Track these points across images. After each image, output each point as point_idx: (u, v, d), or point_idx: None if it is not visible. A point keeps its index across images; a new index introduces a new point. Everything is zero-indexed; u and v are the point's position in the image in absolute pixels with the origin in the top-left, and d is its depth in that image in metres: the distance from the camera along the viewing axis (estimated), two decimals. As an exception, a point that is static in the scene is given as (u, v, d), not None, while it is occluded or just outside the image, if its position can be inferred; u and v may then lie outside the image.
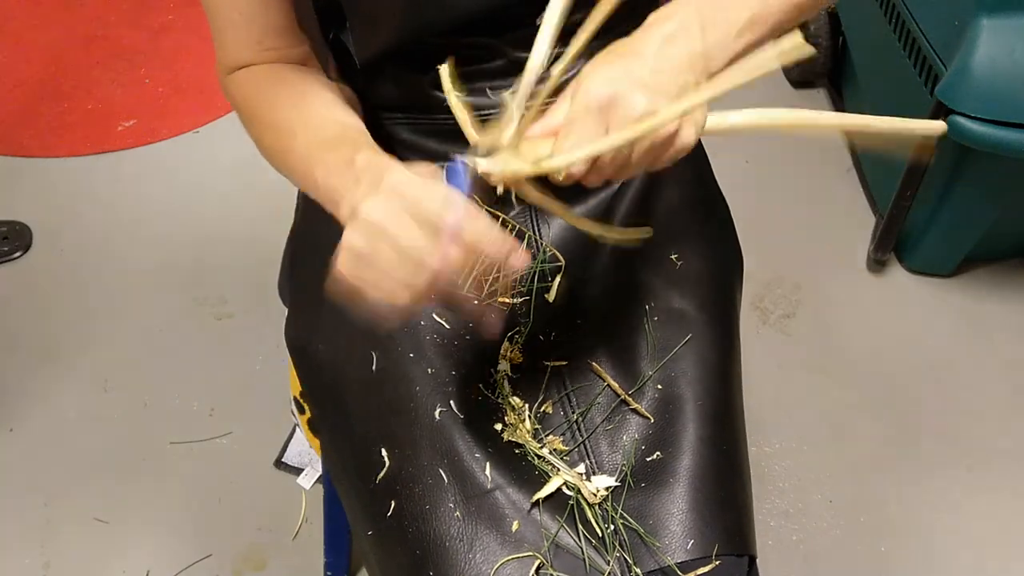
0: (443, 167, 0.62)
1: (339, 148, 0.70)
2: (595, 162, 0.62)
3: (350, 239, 0.61)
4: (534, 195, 0.66)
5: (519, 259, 0.61)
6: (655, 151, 0.63)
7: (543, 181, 0.65)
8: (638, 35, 0.65)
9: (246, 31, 0.80)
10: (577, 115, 0.61)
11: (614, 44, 0.65)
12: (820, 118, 0.67)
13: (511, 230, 0.87)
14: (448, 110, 0.84)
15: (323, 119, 0.76)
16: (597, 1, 0.64)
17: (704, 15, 0.65)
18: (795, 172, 2.17)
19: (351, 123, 0.76)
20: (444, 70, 0.69)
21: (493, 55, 0.82)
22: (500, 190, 0.63)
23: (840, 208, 2.09)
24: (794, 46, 0.59)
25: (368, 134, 0.75)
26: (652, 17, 0.66)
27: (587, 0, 0.65)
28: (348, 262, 0.62)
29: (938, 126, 0.68)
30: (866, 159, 2.10)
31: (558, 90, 0.64)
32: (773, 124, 0.65)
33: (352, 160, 0.67)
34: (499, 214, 0.87)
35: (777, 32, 0.70)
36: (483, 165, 0.62)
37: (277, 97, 0.79)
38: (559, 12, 0.64)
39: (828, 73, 2.31)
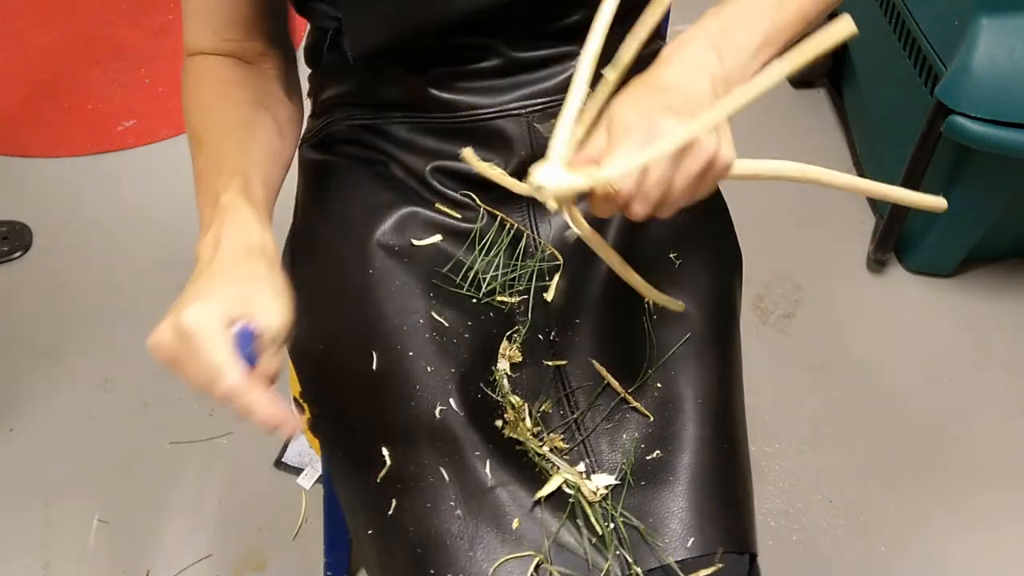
0: (240, 324, 0.63)
1: (220, 177, 0.73)
2: (642, 184, 0.62)
3: (157, 335, 0.62)
4: (586, 228, 0.67)
5: (289, 429, 0.62)
6: (701, 173, 0.63)
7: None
8: (657, 69, 0.66)
9: (207, 20, 0.84)
10: (617, 140, 0.62)
11: (634, 80, 0.66)
12: (837, 179, 0.69)
13: (510, 230, 0.87)
14: (444, 108, 0.85)
15: (227, 140, 0.78)
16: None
17: (718, 42, 0.67)
18: (795, 172, 2.17)
19: (251, 154, 0.78)
20: (468, 152, 0.71)
21: (489, 54, 0.82)
22: (553, 207, 0.64)
23: (840, 208, 2.09)
24: (844, 26, 0.59)
25: (265, 166, 0.78)
26: (667, 51, 0.67)
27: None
28: (157, 351, 0.63)
29: (939, 203, 0.69)
30: (866, 159, 2.10)
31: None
32: (794, 176, 0.68)
33: (218, 197, 0.70)
34: (498, 213, 0.87)
35: (789, 46, 0.71)
36: (538, 178, 0.62)
37: (206, 101, 0.82)
38: (603, 30, 0.65)
39: (828, 73, 2.31)
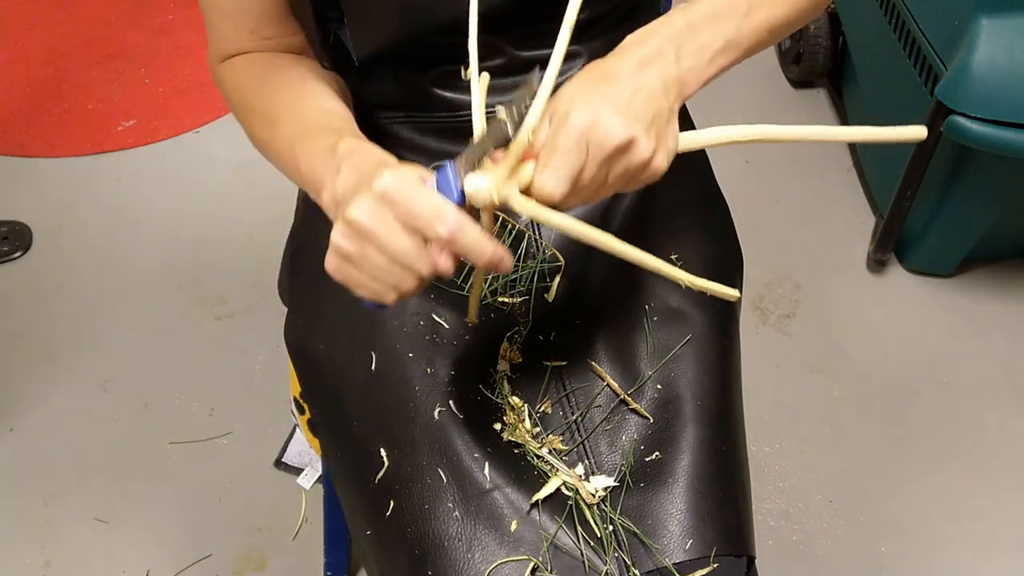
0: (435, 169, 0.62)
1: (322, 135, 0.71)
2: (575, 184, 0.62)
3: (337, 240, 0.62)
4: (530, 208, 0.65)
5: (507, 265, 0.62)
6: (629, 175, 0.63)
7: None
8: (613, 58, 0.65)
9: (241, 20, 0.81)
10: (558, 139, 0.61)
11: (589, 66, 0.65)
12: (790, 132, 0.69)
13: (511, 230, 0.87)
14: (447, 108, 0.85)
15: (308, 107, 0.77)
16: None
17: (679, 40, 0.66)
18: (795, 172, 2.17)
19: (337, 111, 0.76)
20: (485, 79, 0.70)
21: (493, 54, 0.82)
22: (484, 212, 0.64)
23: (840, 208, 2.09)
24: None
25: (353, 122, 0.76)
26: (627, 41, 0.67)
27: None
28: (334, 262, 0.63)
29: (919, 132, 0.68)
30: (866, 159, 2.10)
31: None
32: (739, 139, 0.68)
33: (334, 147, 0.68)
34: (499, 213, 0.87)
35: (749, 54, 0.71)
36: (472, 183, 0.61)
37: (265, 85, 0.80)
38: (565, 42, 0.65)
39: (828, 73, 2.31)
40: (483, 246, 0.59)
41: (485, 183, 0.61)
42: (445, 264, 0.60)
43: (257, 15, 0.81)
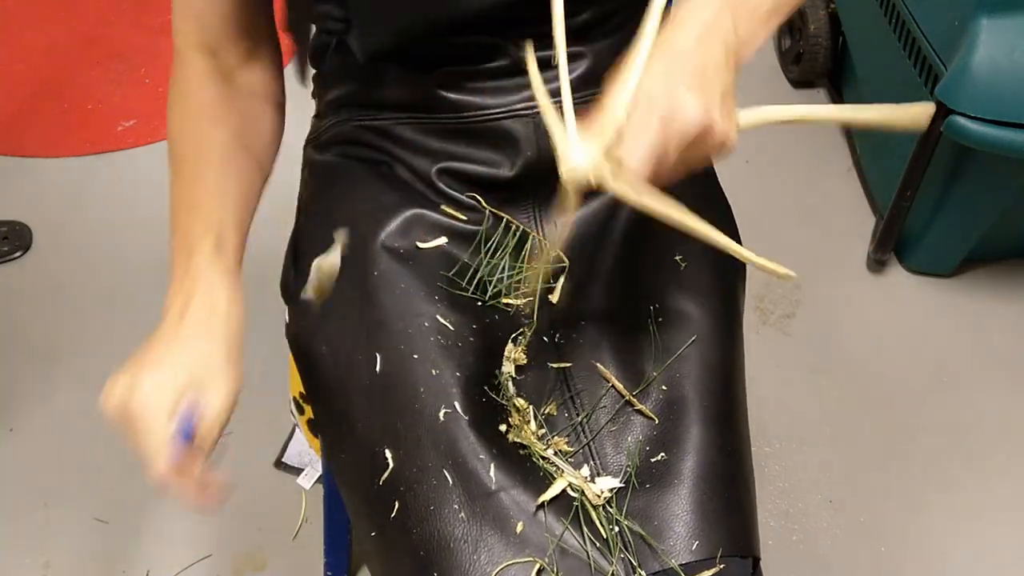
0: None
1: (193, 227, 0.78)
2: (658, 164, 0.63)
3: (108, 396, 0.72)
4: (636, 199, 0.66)
5: (212, 509, 0.72)
6: (706, 154, 0.65)
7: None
8: (673, 33, 0.65)
9: (196, 18, 0.87)
10: (641, 117, 0.61)
11: (656, 41, 0.65)
12: (816, 112, 0.70)
13: (515, 231, 0.87)
14: (452, 109, 0.85)
15: (205, 177, 0.81)
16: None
17: (734, 6, 0.66)
18: (795, 172, 2.18)
19: (224, 196, 0.81)
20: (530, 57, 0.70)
21: (497, 54, 0.82)
22: (592, 184, 0.64)
23: (840, 208, 2.09)
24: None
25: (231, 213, 0.80)
26: (683, 11, 0.66)
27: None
28: (107, 410, 0.72)
29: (927, 109, 0.69)
30: (866, 159, 2.11)
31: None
32: (790, 117, 0.69)
33: (191, 253, 0.77)
34: (503, 215, 0.87)
35: (791, 10, 0.72)
36: (570, 162, 0.63)
37: (187, 124, 0.85)
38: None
39: (828, 73, 2.31)
40: (184, 496, 0.70)
41: (582, 162, 0.62)
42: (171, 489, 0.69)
43: (217, 31, 0.86)
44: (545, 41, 0.82)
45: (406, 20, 0.78)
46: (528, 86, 0.83)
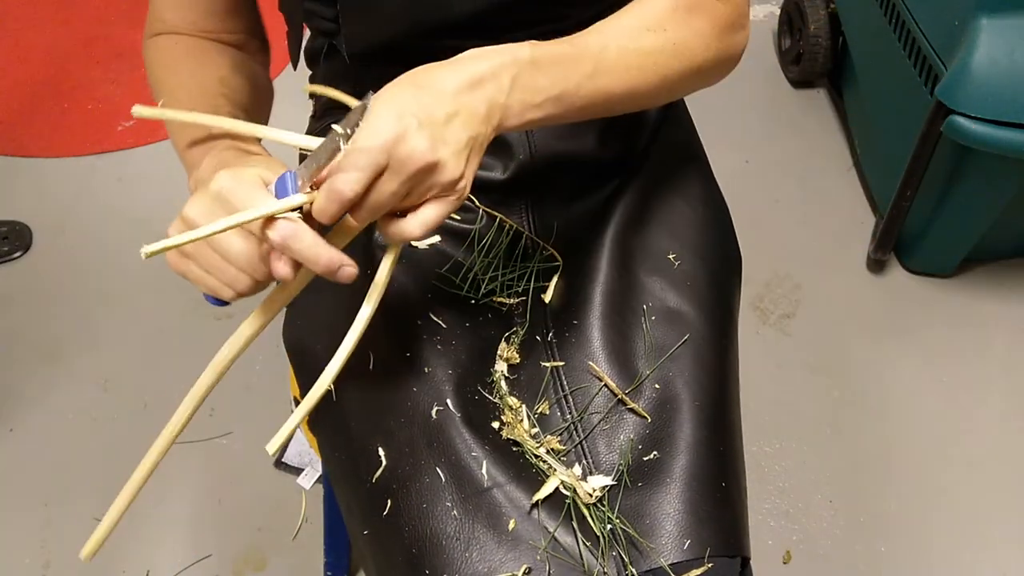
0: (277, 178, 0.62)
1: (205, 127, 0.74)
2: (374, 190, 0.60)
3: (189, 208, 0.62)
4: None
5: (347, 273, 0.61)
6: (434, 192, 0.62)
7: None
8: (446, 67, 0.64)
9: (183, 6, 0.84)
10: (361, 141, 0.59)
11: (418, 69, 0.64)
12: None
13: (508, 231, 0.87)
14: None
15: (206, 94, 0.78)
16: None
17: (519, 70, 0.65)
18: (795, 172, 2.17)
19: (231, 106, 0.79)
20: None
21: None
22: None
23: (840, 208, 2.09)
24: None
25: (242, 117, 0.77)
26: (467, 53, 0.65)
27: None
28: (174, 257, 0.64)
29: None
30: (866, 159, 2.10)
31: None
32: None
33: (214, 138, 0.71)
34: (496, 214, 0.87)
35: (580, 116, 0.71)
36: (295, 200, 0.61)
37: (178, 66, 0.81)
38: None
39: (828, 73, 2.31)
40: (317, 253, 0.59)
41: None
42: (281, 271, 0.61)
43: (202, 9, 0.84)
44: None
45: (396, 21, 0.78)
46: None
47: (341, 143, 0.59)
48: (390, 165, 0.59)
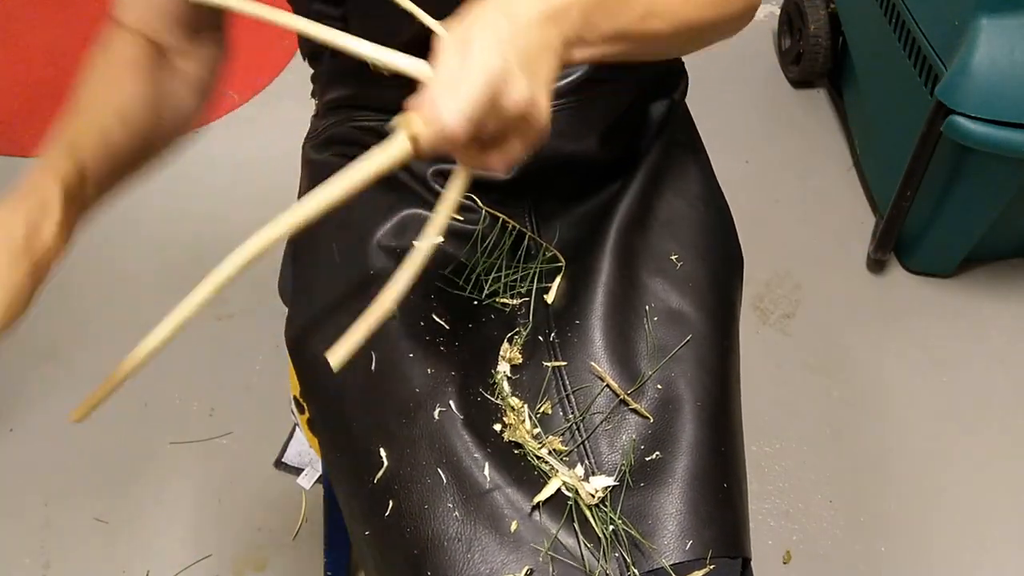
0: None
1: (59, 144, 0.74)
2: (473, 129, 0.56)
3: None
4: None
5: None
6: (520, 137, 0.60)
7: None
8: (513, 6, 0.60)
9: (151, 8, 0.83)
10: (465, 70, 0.55)
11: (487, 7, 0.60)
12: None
13: (511, 231, 0.87)
14: None
15: (96, 111, 0.80)
16: None
17: (585, 6, 0.63)
18: (795, 172, 2.17)
19: (97, 120, 0.80)
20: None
21: None
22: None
23: (840, 208, 2.09)
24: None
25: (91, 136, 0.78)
26: None
27: None
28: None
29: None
30: (866, 159, 2.10)
31: None
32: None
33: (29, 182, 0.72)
34: (499, 215, 0.87)
35: (632, 54, 0.70)
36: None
37: (98, 64, 0.84)
38: None
39: (828, 73, 2.31)
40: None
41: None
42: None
43: (168, 20, 0.83)
44: None
45: (402, 23, 0.78)
46: None
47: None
48: (494, 102, 0.56)
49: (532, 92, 0.57)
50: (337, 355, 0.58)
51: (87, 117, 0.78)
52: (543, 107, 0.58)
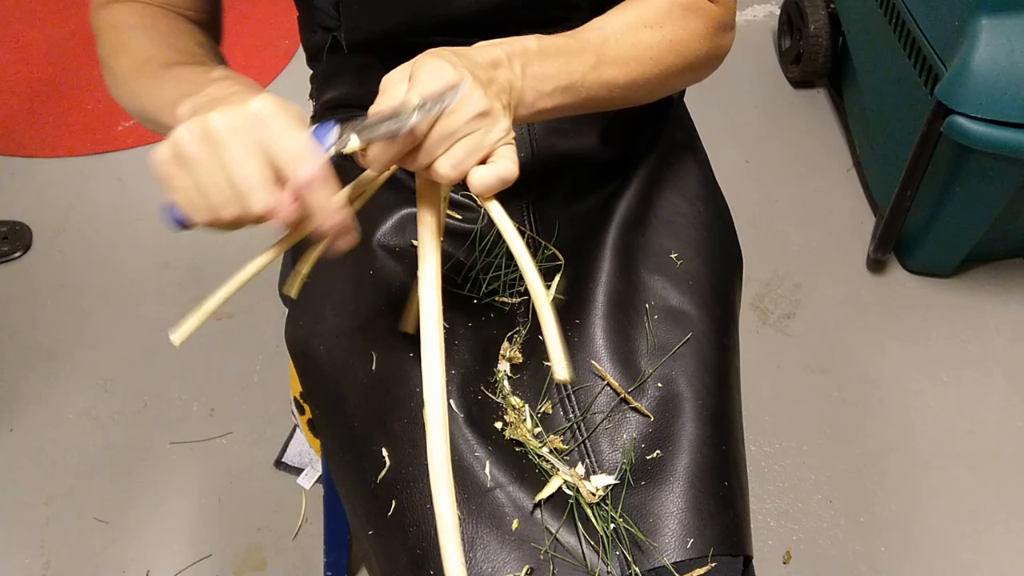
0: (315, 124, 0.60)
1: (194, 67, 0.71)
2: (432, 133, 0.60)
3: (181, 135, 0.55)
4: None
5: (347, 243, 0.59)
6: (479, 147, 0.61)
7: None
8: (466, 48, 0.65)
9: None
10: (422, 72, 0.59)
11: (438, 49, 0.63)
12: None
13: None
14: None
15: (184, 48, 0.75)
16: None
17: (528, 58, 0.66)
18: (795, 172, 2.18)
19: (213, 59, 0.76)
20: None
21: None
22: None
23: (840, 208, 2.09)
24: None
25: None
26: (477, 44, 0.66)
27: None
28: (165, 156, 0.56)
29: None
30: (866, 159, 2.11)
31: None
32: None
33: (209, 72, 0.68)
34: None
35: (585, 107, 0.73)
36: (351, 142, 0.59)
37: (146, 29, 0.77)
38: None
39: (828, 73, 2.31)
40: (331, 208, 0.56)
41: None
42: (283, 210, 0.55)
43: None
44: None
45: (395, 14, 0.79)
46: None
47: (414, 115, 0.58)
48: (451, 106, 0.59)
49: (489, 102, 0.60)
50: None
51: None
52: (502, 120, 0.61)
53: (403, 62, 0.83)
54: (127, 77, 0.74)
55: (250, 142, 0.54)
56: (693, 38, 0.78)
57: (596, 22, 0.75)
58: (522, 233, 0.88)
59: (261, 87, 0.64)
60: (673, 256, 0.88)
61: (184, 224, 0.59)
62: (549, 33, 0.78)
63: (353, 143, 0.59)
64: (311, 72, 0.99)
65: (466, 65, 0.61)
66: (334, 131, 0.58)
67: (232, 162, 0.54)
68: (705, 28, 0.79)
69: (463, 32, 0.79)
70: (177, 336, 0.56)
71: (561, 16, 0.82)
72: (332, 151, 0.58)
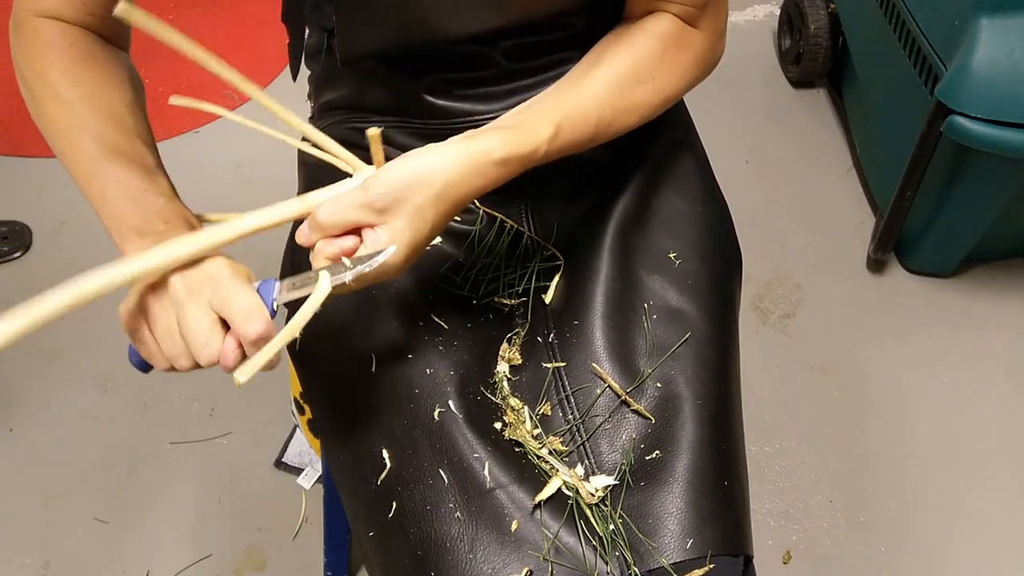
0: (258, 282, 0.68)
1: (136, 171, 0.74)
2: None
3: (149, 298, 0.66)
4: None
5: (271, 367, 0.65)
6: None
7: None
8: (442, 201, 0.68)
9: None
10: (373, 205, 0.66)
11: (430, 194, 0.67)
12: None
13: (509, 230, 0.87)
14: (442, 115, 0.85)
15: (121, 122, 0.76)
16: None
17: (471, 156, 0.69)
18: (795, 172, 2.18)
19: (147, 140, 0.80)
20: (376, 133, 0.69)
21: (484, 64, 0.83)
22: None
23: (840, 208, 2.09)
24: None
25: (157, 156, 0.80)
26: (468, 133, 0.70)
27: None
28: (132, 311, 0.68)
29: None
30: (866, 159, 2.11)
31: None
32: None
33: (153, 181, 0.75)
34: (497, 215, 0.87)
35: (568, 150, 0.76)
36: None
37: (78, 69, 0.74)
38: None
39: (828, 73, 2.31)
40: (272, 357, 0.63)
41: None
42: (229, 361, 0.64)
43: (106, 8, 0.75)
44: (528, 51, 0.82)
45: (390, 34, 0.78)
46: (518, 92, 0.84)
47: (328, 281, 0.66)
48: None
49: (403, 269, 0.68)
50: (244, 374, 0.63)
51: (122, 125, 0.77)
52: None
53: (400, 69, 0.83)
54: (51, 129, 0.74)
55: (204, 303, 0.64)
56: (682, 80, 0.81)
57: (590, 80, 0.76)
58: (521, 234, 0.88)
59: (196, 223, 0.74)
60: (672, 256, 0.88)
61: (145, 368, 0.71)
62: (543, 58, 0.80)
63: (292, 296, 0.67)
64: (308, 72, 0.99)
65: (424, 240, 0.68)
66: (276, 286, 0.67)
67: (186, 321, 0.64)
68: (694, 61, 0.81)
69: (454, 53, 0.81)
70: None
71: (556, 27, 0.82)
72: (276, 304, 0.66)
